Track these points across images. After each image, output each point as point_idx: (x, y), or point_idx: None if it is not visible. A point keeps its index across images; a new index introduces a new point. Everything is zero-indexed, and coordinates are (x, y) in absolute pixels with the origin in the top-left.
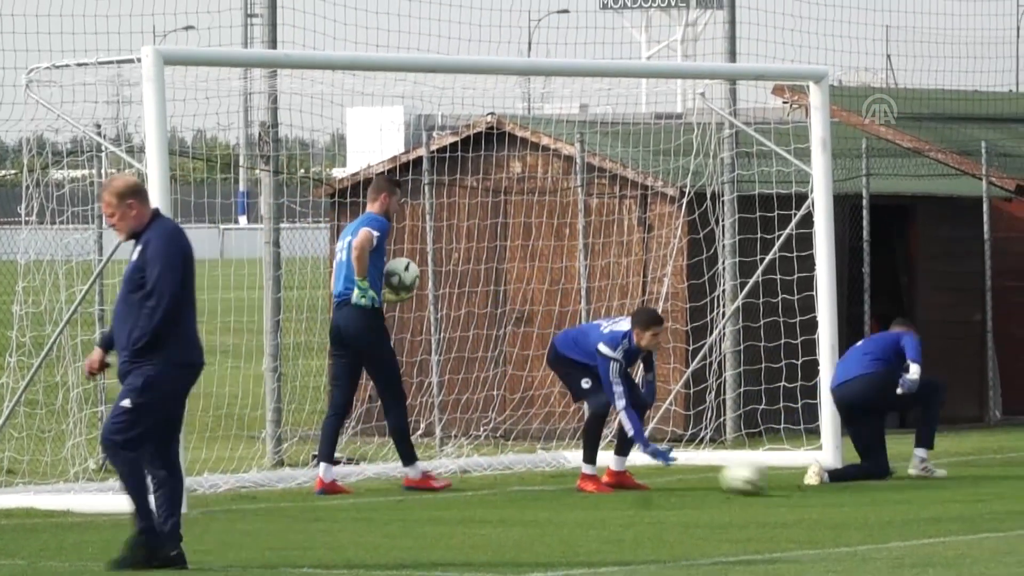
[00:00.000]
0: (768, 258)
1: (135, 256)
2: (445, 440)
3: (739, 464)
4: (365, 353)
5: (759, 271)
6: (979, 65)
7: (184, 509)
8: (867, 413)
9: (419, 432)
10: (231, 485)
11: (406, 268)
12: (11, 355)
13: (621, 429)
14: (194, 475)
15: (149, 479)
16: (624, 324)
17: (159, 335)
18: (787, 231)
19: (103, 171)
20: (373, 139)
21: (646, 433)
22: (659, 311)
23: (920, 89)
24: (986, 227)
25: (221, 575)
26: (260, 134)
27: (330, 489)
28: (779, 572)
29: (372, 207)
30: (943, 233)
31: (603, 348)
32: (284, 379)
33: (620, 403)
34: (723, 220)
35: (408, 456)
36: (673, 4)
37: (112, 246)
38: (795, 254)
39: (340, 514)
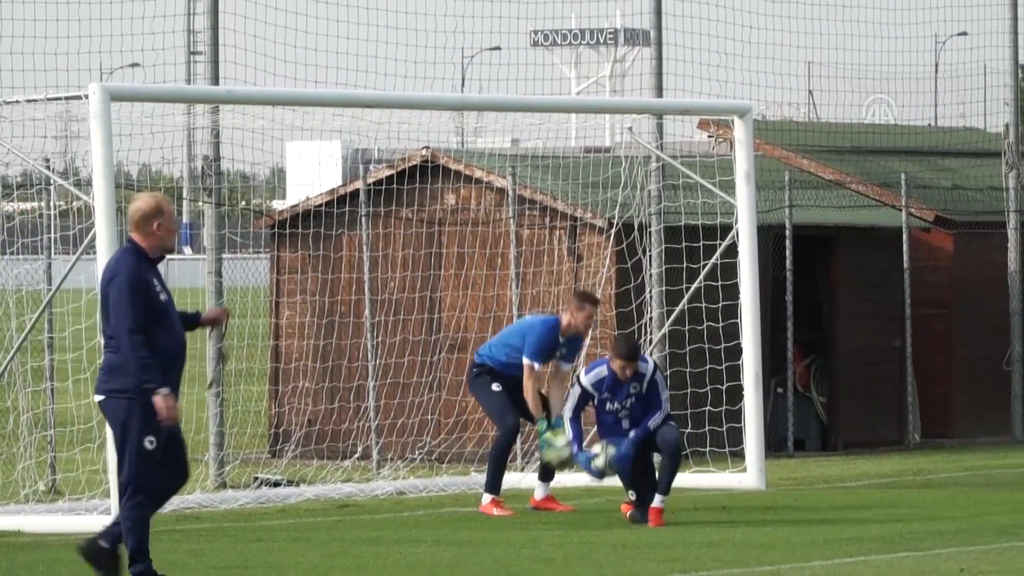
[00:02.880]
0: (694, 287)
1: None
2: (382, 463)
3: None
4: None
5: (685, 299)
6: (899, 100)
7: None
8: None
9: (356, 455)
10: (175, 506)
11: None
12: None
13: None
14: None
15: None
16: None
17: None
18: (712, 261)
19: (52, 203)
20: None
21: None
22: (588, 338)
23: (841, 123)
24: (905, 257)
25: None
26: (203, 167)
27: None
28: None
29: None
30: (864, 262)
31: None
32: (226, 404)
33: (567, 414)
34: (650, 250)
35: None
36: (602, 41)
37: (60, 276)
38: (720, 283)
39: (280, 534)
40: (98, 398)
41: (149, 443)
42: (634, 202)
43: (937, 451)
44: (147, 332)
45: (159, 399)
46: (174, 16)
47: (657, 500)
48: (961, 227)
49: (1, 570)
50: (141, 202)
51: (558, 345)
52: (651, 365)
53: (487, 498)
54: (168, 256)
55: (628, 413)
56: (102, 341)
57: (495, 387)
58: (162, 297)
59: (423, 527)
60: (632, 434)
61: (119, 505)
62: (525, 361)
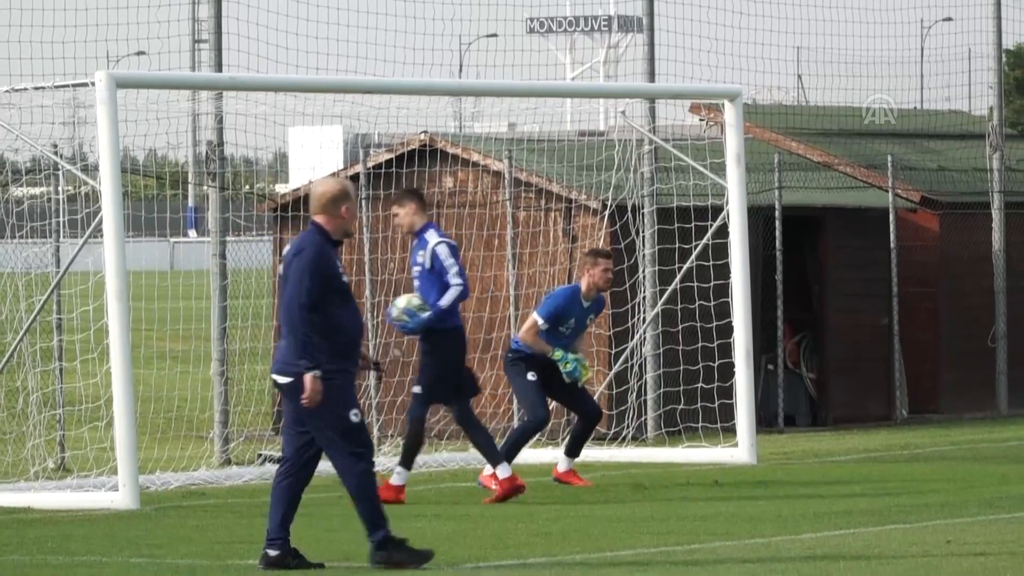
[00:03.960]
0: (686, 267)
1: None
2: (383, 440)
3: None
4: None
5: (677, 279)
6: (885, 83)
7: (136, 505)
8: None
9: None
10: (181, 482)
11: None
12: None
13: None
14: (147, 473)
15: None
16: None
17: None
18: (704, 241)
19: (60, 188)
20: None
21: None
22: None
23: (830, 106)
24: (892, 236)
25: (173, 568)
26: (207, 152)
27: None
28: (697, 562)
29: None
30: (852, 242)
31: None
32: (231, 383)
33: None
34: (643, 231)
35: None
36: (596, 28)
37: (68, 259)
38: (711, 263)
39: None
40: (283, 380)
41: (354, 416)
42: (627, 184)
43: (924, 426)
44: (321, 311)
45: (309, 378)
46: (179, 5)
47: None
48: (946, 208)
49: (12, 546)
50: (327, 186)
51: (578, 311)
52: None
53: (490, 470)
54: (174, 239)
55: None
56: (278, 323)
57: (530, 376)
58: (344, 279)
59: (423, 502)
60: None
61: (349, 484)
62: (533, 315)
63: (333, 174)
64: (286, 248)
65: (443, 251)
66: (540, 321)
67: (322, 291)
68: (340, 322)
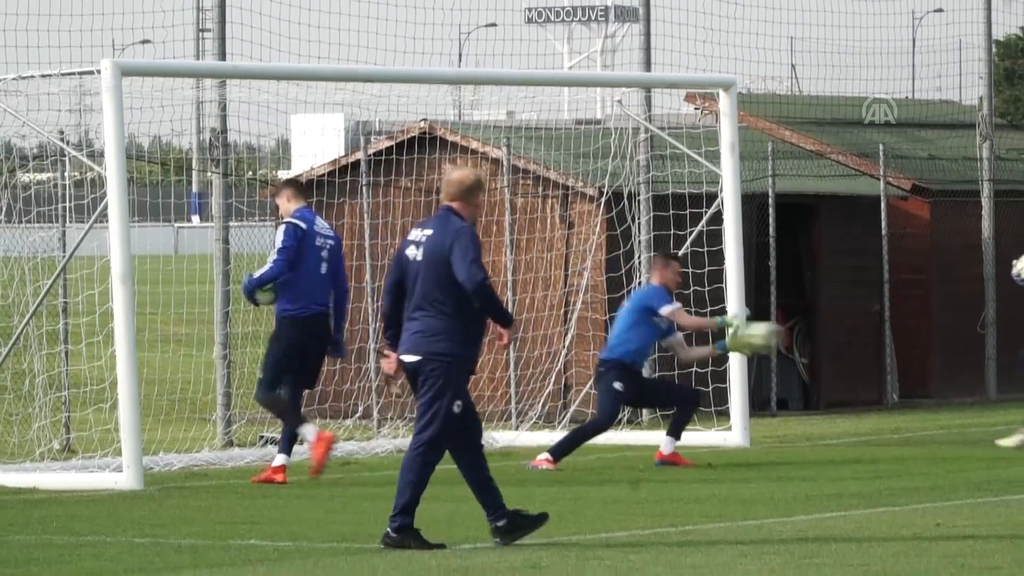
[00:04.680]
0: (680, 253)
1: None
2: (382, 422)
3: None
4: None
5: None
6: (877, 73)
7: (140, 486)
8: None
9: (357, 415)
10: (184, 464)
11: None
12: None
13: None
14: (150, 455)
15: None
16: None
17: None
18: (698, 228)
19: (66, 174)
20: (315, 144)
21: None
22: (580, 302)
23: (823, 96)
24: (884, 224)
25: (176, 547)
26: (211, 139)
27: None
28: (691, 544)
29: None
30: (844, 230)
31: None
32: (233, 366)
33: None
34: (639, 218)
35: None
36: (593, 18)
37: (74, 243)
38: (706, 249)
39: (284, 491)
40: (411, 358)
41: (457, 407)
42: (623, 172)
43: (914, 410)
44: (457, 296)
45: (508, 332)
46: None
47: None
48: (937, 196)
49: (17, 525)
50: (465, 174)
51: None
52: None
53: (544, 456)
54: (178, 224)
55: None
56: (412, 305)
57: (617, 385)
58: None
59: None
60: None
61: (407, 462)
62: (666, 310)
63: (334, 161)
64: (412, 233)
65: (279, 231)
66: (676, 306)
67: None
68: (473, 310)
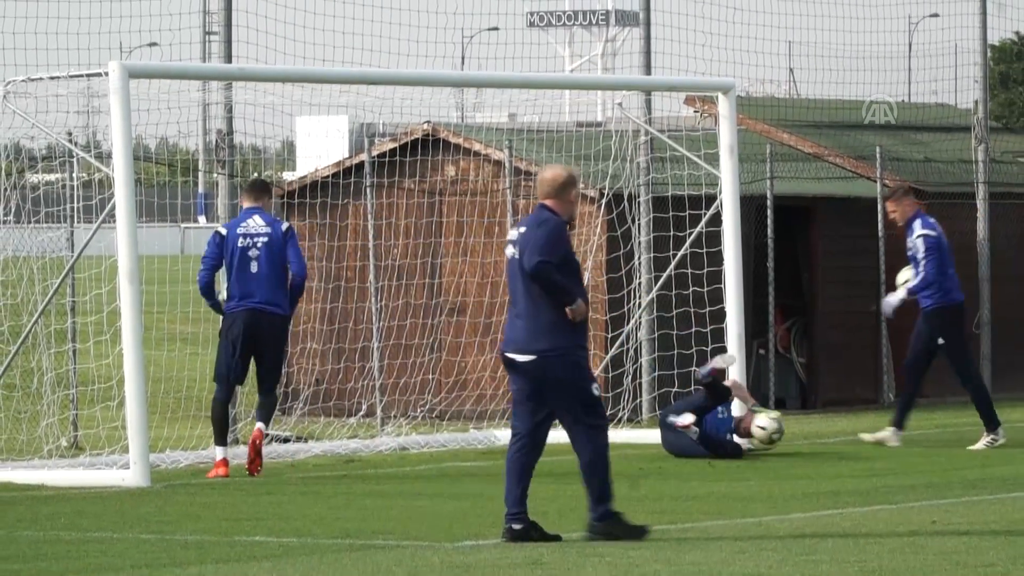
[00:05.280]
0: (680, 254)
1: None
2: (385, 420)
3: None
4: None
5: (672, 266)
6: (874, 77)
7: (147, 483)
8: None
9: (361, 413)
10: (191, 461)
11: None
12: None
13: None
14: (157, 452)
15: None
16: None
17: None
18: (697, 229)
19: (74, 175)
20: (320, 145)
21: None
22: None
23: (820, 99)
24: (880, 226)
25: (182, 543)
26: (217, 141)
27: None
28: (690, 541)
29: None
30: (841, 231)
31: None
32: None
33: None
34: (639, 219)
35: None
36: (594, 22)
37: (82, 243)
38: (705, 250)
39: (289, 488)
40: (524, 358)
41: (596, 389)
42: (624, 174)
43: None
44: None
45: (579, 304)
46: None
47: None
48: (933, 198)
49: (26, 521)
50: (556, 172)
51: None
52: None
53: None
54: (184, 224)
55: None
56: (519, 307)
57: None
58: (577, 259)
59: (424, 481)
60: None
61: (585, 456)
62: None
63: (338, 162)
64: (510, 233)
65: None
66: None
67: (559, 263)
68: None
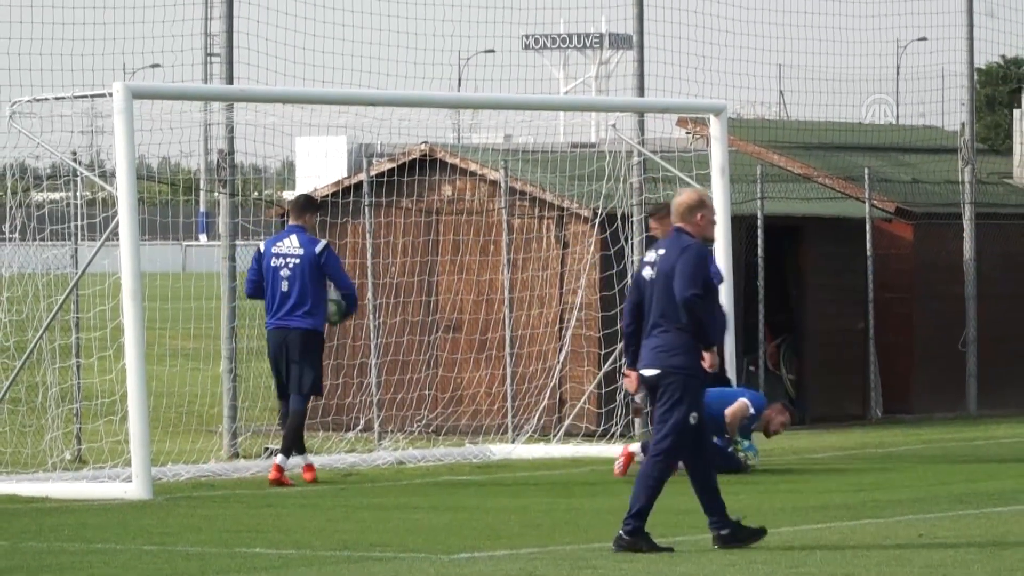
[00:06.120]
0: None
1: None
2: (383, 435)
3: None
4: None
5: None
6: (863, 100)
7: (149, 496)
8: None
9: (359, 428)
10: (192, 474)
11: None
12: None
13: None
14: (159, 465)
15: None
16: None
17: None
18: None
19: (78, 193)
20: (319, 165)
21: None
22: (575, 319)
23: (810, 121)
24: (868, 244)
25: (184, 555)
26: (218, 160)
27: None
28: (681, 553)
29: None
30: (830, 250)
31: None
32: (239, 379)
33: None
34: (632, 238)
35: None
36: (588, 45)
37: (85, 261)
38: None
39: (288, 500)
40: (650, 372)
41: (692, 418)
42: (617, 194)
43: (897, 425)
44: (705, 301)
45: (710, 355)
46: (192, 20)
47: None
48: (920, 218)
49: (30, 533)
50: (685, 196)
51: None
52: None
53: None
54: (186, 242)
55: None
56: (651, 323)
57: None
58: (715, 280)
59: (421, 494)
60: None
61: (648, 464)
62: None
63: (337, 182)
64: (647, 255)
65: None
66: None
67: (703, 285)
68: (714, 314)
